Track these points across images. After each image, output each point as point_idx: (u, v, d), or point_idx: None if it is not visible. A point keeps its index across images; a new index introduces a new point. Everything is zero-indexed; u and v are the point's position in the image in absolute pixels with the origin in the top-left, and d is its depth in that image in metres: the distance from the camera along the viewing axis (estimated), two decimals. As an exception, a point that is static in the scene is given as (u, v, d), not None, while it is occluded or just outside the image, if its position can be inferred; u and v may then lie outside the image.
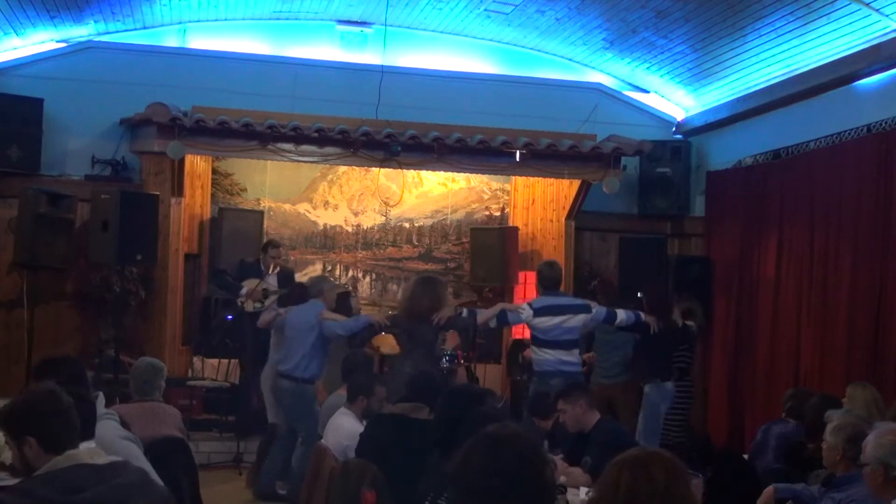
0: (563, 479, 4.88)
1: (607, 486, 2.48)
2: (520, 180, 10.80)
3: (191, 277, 9.86)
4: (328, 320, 7.55)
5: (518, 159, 9.40)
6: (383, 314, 7.80)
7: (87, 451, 3.16)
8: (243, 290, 9.01)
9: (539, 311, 7.27)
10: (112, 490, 3.04)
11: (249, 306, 8.94)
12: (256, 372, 8.33)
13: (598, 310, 7.40)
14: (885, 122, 7.66)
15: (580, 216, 10.14)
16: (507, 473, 2.50)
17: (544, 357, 7.24)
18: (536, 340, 7.35)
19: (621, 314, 7.46)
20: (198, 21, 9.90)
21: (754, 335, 9.18)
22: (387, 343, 8.57)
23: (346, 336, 7.80)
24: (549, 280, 7.50)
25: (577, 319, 7.28)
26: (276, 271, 9.12)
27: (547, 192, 10.51)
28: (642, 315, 7.52)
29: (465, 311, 7.37)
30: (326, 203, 10.82)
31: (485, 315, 7.37)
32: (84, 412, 3.89)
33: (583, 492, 4.83)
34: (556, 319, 7.24)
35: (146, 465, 3.87)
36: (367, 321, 7.67)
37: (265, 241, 9.65)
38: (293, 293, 8.13)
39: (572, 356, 7.28)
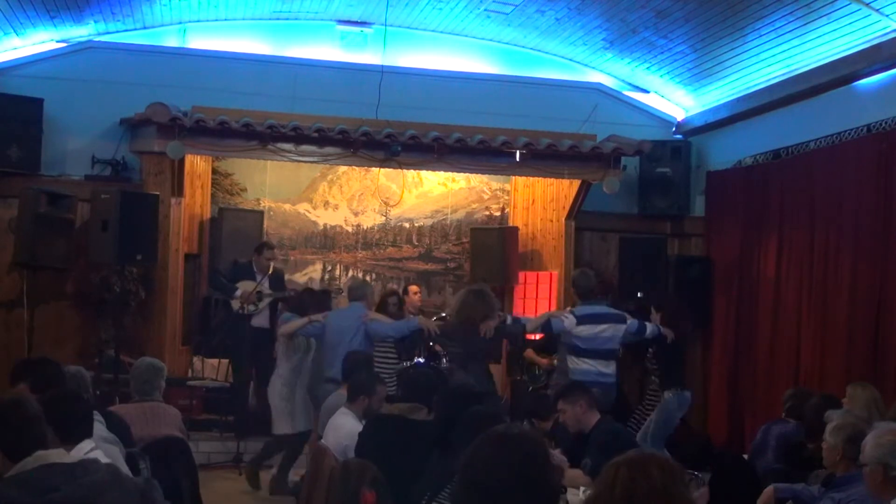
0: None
1: (604, 485, 2.49)
2: (520, 180, 10.80)
3: (191, 277, 9.86)
4: (376, 321, 7.50)
5: (518, 159, 9.41)
6: (434, 321, 7.64)
7: (56, 452, 3.18)
8: (238, 292, 8.99)
9: (582, 319, 7.38)
10: (82, 488, 3.06)
11: (244, 308, 8.92)
12: (250, 373, 8.30)
13: (631, 322, 7.61)
14: (885, 122, 7.66)
15: (580, 216, 10.14)
16: (513, 471, 2.52)
17: (583, 367, 7.34)
18: (576, 349, 7.40)
19: (650, 327, 7.70)
20: (198, 21, 9.90)
21: (754, 335, 9.18)
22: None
23: (396, 338, 7.77)
24: (583, 288, 7.65)
25: (617, 329, 7.44)
26: (269, 273, 9.09)
27: (547, 192, 10.51)
28: (661, 328, 7.76)
29: (509, 319, 7.44)
30: (326, 203, 10.82)
31: (533, 323, 7.51)
32: (80, 411, 3.92)
33: (581, 491, 4.83)
34: (598, 328, 7.40)
35: (124, 468, 3.89)
36: (417, 325, 7.56)
37: (259, 243, 9.52)
38: (304, 299, 8.04)
39: (610, 367, 7.45)
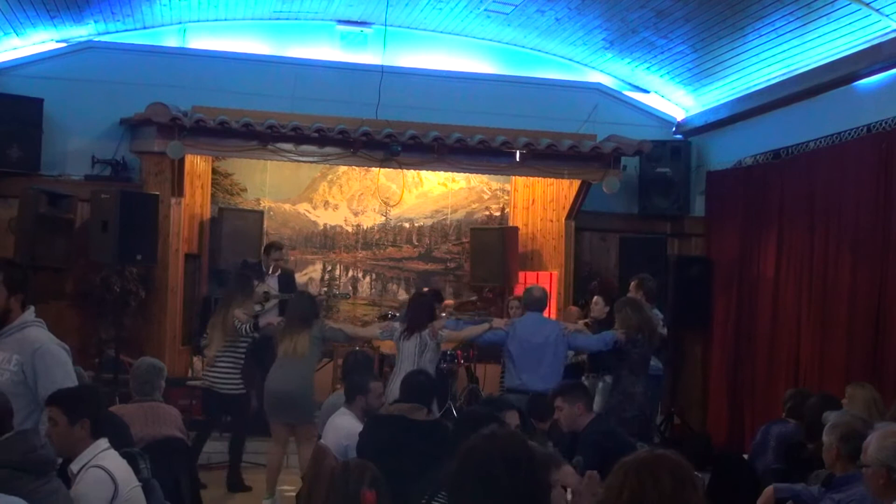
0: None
1: (612, 489, 2.47)
2: (520, 180, 10.80)
3: (191, 277, 9.85)
4: (578, 334, 7.48)
5: (518, 159, 9.41)
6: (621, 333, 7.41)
7: None
8: None
9: (663, 322, 8.20)
10: None
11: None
12: (254, 373, 8.28)
13: None
14: (885, 122, 7.65)
15: (580, 216, 10.14)
16: (501, 465, 2.68)
17: (658, 364, 8.06)
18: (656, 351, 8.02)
19: None
20: (198, 21, 9.90)
21: (754, 335, 9.17)
22: (387, 343, 8.52)
23: (595, 350, 7.68)
24: (652, 292, 8.15)
25: None
26: (276, 273, 9.08)
27: (547, 192, 10.51)
28: None
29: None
30: (326, 203, 10.82)
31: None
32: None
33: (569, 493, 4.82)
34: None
35: None
36: (615, 337, 7.30)
37: (267, 242, 9.55)
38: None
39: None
